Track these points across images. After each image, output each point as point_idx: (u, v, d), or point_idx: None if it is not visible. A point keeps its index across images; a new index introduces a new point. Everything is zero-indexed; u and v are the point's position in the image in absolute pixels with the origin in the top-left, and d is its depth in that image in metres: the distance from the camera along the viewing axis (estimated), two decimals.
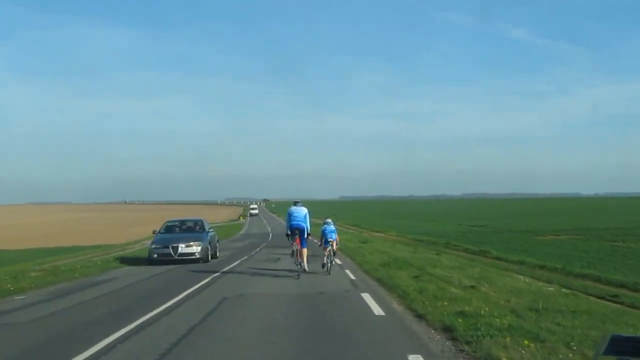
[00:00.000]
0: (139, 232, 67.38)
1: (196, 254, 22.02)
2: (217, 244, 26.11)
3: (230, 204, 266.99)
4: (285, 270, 18.36)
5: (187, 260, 21.79)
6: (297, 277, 16.16)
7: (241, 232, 61.87)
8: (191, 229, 24.42)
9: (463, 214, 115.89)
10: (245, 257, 24.87)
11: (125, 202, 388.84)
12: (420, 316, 10.04)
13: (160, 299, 12.43)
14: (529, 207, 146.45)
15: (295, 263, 16.83)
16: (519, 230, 60.06)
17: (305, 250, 16.76)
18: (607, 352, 2.45)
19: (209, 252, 23.09)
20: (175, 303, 12.02)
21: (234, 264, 21.85)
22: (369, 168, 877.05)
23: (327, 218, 19.70)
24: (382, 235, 57.47)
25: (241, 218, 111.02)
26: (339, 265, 20.35)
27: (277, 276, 17.05)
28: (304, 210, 16.89)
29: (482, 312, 9.64)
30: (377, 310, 10.66)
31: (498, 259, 32.51)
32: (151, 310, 10.87)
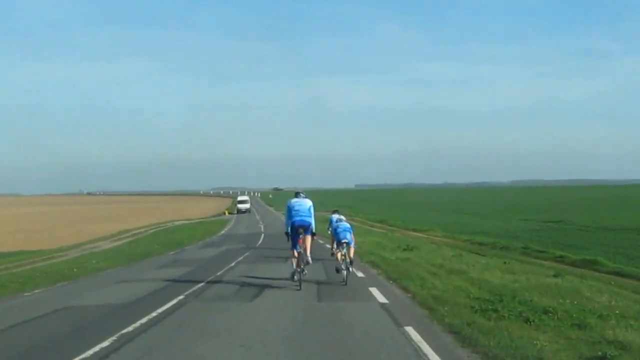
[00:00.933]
0: (78, 233, 60.03)
1: None
2: None
3: (217, 195, 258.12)
4: (281, 279, 17.61)
5: None
6: (297, 287, 15.88)
7: (222, 232, 54.26)
8: None
9: (523, 205, 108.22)
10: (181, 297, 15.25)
11: (84, 194, 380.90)
12: None
13: None
14: (603, 195, 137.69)
15: (295, 272, 16.09)
16: (616, 226, 53.02)
17: (309, 238, 16.00)
18: None
19: None
20: None
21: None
22: (391, 150, 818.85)
23: (334, 212, 19.58)
24: (424, 235, 50.30)
25: (226, 213, 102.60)
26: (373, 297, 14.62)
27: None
28: (307, 203, 16.23)
29: None
30: None
31: (619, 274, 27.01)
32: None
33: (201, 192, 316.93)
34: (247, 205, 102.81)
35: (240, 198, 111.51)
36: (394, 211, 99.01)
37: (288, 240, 16.10)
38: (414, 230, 56.28)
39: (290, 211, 16.08)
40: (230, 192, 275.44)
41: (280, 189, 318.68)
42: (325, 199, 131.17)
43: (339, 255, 17.37)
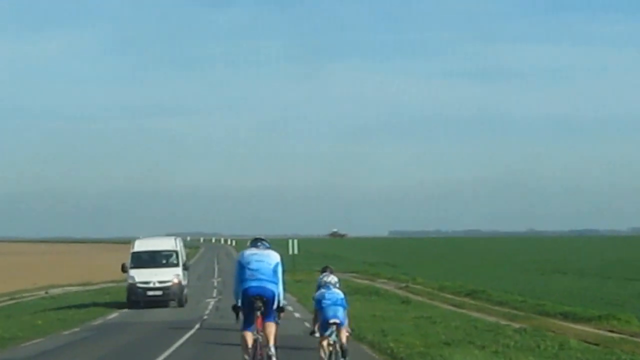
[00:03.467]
0: None
1: None
2: None
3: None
4: None
5: None
6: None
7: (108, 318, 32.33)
8: None
9: None
10: None
11: None
12: None
13: None
14: None
15: None
16: None
17: (272, 326, 11.91)
18: None
19: None
20: None
21: None
22: (443, 181, 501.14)
23: (323, 270, 15.48)
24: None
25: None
26: None
27: None
28: (272, 257, 12.13)
29: None
30: None
31: None
32: None
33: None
34: (166, 278, 35.01)
35: (139, 247, 36.69)
36: (479, 273, 63.44)
37: (237, 317, 12.07)
38: (577, 320, 28.75)
39: (242, 270, 11.85)
40: (202, 239, 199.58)
41: (342, 235, 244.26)
42: (349, 253, 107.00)
43: (324, 343, 13.52)
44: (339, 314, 13.84)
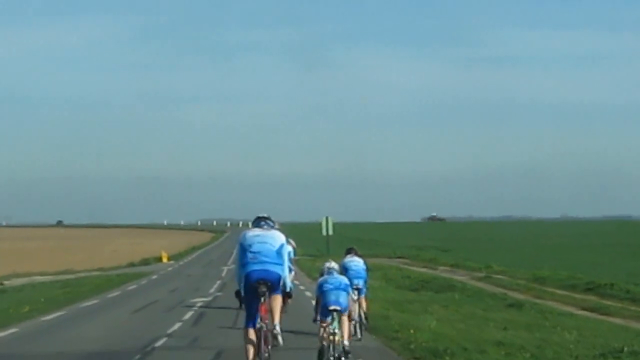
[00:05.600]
0: None
1: None
2: None
3: (194, 228, 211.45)
4: None
5: None
6: None
7: None
8: None
9: None
10: None
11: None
12: None
13: None
14: None
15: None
16: None
17: (278, 299, 11.12)
18: None
19: None
20: None
21: None
22: (470, 166, 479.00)
23: (349, 251, 16.39)
24: None
25: (164, 257, 65.28)
26: None
27: None
28: (276, 237, 11.24)
29: None
30: None
31: None
32: None
33: (165, 222, 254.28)
34: None
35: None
36: (563, 259, 51.26)
37: (240, 305, 11.11)
38: None
39: (243, 253, 11.00)
40: (228, 223, 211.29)
41: (441, 219, 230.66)
42: (385, 237, 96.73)
43: (324, 333, 12.46)
44: (341, 300, 12.84)
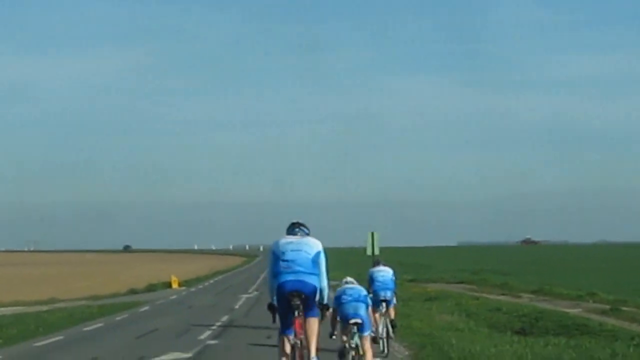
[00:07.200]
0: None
1: None
2: None
3: (225, 252, 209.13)
4: None
5: None
6: None
7: None
8: None
9: None
10: None
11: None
12: None
13: None
14: None
15: None
16: None
17: (314, 322, 10.52)
18: None
19: None
20: None
21: None
22: (502, 191, 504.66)
23: (377, 264, 16.45)
24: None
25: (175, 283, 59.24)
26: None
27: None
28: (312, 245, 10.74)
29: None
30: None
31: None
32: None
33: (195, 247, 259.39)
34: None
35: None
36: None
37: (274, 318, 10.59)
38: None
39: (276, 262, 10.53)
40: (261, 247, 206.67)
41: (535, 242, 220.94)
42: (428, 261, 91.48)
43: (344, 345, 12.20)
44: (361, 312, 12.46)
